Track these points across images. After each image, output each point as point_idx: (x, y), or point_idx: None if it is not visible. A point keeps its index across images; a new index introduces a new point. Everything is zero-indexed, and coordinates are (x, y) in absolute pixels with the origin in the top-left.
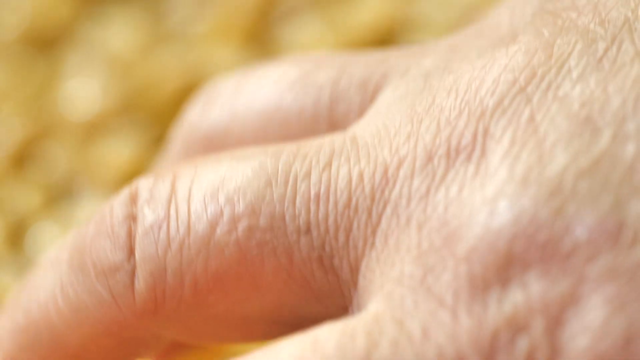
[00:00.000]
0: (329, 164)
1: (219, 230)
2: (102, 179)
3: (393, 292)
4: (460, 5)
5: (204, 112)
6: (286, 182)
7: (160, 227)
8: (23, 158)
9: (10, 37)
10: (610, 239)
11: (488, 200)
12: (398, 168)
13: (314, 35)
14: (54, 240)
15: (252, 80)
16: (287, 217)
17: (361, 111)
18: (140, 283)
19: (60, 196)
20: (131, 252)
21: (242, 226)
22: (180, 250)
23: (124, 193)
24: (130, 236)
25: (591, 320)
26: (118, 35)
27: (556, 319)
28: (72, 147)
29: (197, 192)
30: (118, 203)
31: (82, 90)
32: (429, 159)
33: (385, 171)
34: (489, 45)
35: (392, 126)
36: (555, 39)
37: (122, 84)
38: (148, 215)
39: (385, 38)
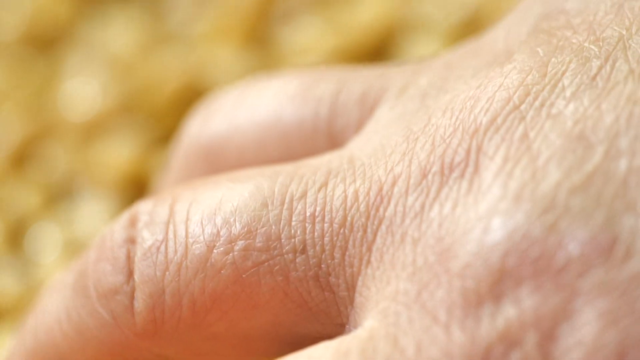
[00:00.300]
0: (325, 184)
1: (215, 252)
2: (102, 179)
3: (388, 309)
4: (460, 6)
5: (204, 124)
6: (282, 203)
7: (158, 249)
8: (23, 158)
9: (10, 37)
10: (603, 254)
11: (481, 217)
12: (393, 185)
13: (314, 35)
14: (54, 241)
15: (253, 92)
16: (283, 237)
17: (359, 125)
18: (139, 304)
19: (60, 196)
20: (130, 274)
21: (238, 247)
22: (178, 272)
23: (124, 217)
24: (130, 259)
25: (584, 335)
26: (118, 35)
27: (549, 334)
28: (71, 147)
29: (194, 215)
30: (118, 227)
31: (82, 91)
32: (423, 176)
33: (380, 189)
34: (484, 65)
35: (388, 146)
36: (550, 58)
37: (122, 84)
38: (147, 238)
39: (385, 38)
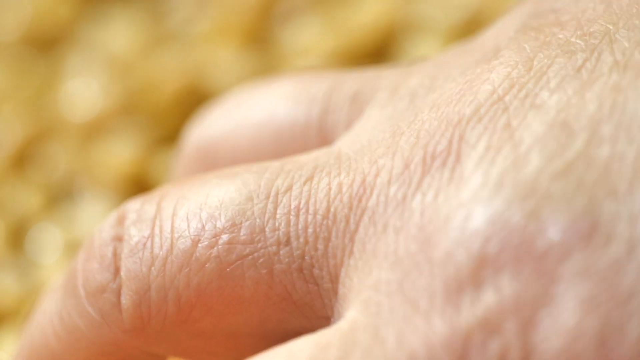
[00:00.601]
0: (310, 178)
1: (200, 246)
2: (103, 180)
3: (369, 299)
4: (460, 6)
5: (201, 129)
6: (267, 197)
7: (144, 246)
8: (23, 159)
9: (10, 37)
10: (584, 240)
11: (462, 205)
12: (375, 177)
13: (315, 35)
14: (54, 241)
15: (249, 95)
16: (267, 230)
17: (349, 124)
18: (126, 301)
19: (60, 197)
20: (117, 271)
21: (222, 241)
22: (163, 267)
23: (112, 215)
24: (116, 256)
25: (564, 321)
26: (118, 36)
27: (529, 320)
28: (72, 148)
29: (181, 210)
30: (106, 225)
31: (83, 91)
32: (406, 166)
33: (363, 180)
34: (473, 62)
35: (374, 141)
36: (537, 53)
37: (123, 84)
38: (134, 235)
39: (385, 39)
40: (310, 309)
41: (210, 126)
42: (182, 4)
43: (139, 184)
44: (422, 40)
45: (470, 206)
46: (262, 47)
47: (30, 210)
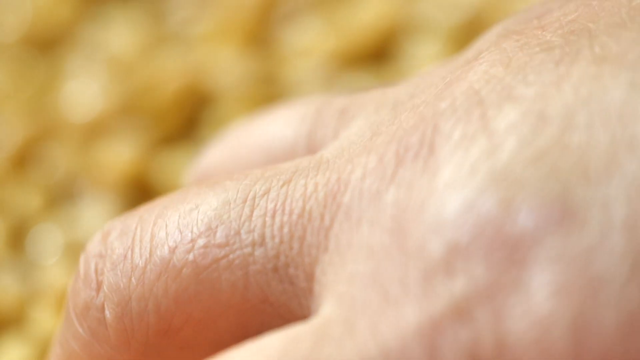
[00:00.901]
0: (288, 181)
1: (177, 252)
2: (103, 181)
3: (344, 293)
4: (461, 6)
5: (201, 159)
6: (244, 201)
7: (125, 257)
8: (24, 159)
9: (11, 38)
10: (557, 226)
11: (436, 194)
12: (350, 173)
13: (315, 36)
14: (55, 242)
15: (246, 125)
16: (242, 232)
17: (337, 135)
18: (109, 315)
19: (61, 198)
20: (99, 287)
21: (198, 245)
22: (142, 277)
23: (97, 233)
24: (97, 272)
25: (537, 309)
26: (119, 36)
27: (501, 309)
28: (72, 149)
29: (160, 219)
30: (91, 243)
31: (83, 92)
32: (380, 160)
33: (339, 178)
34: (455, 68)
35: (354, 144)
36: (516, 52)
37: (123, 85)
38: (116, 248)
39: (386, 39)
40: (287, 310)
41: (208, 157)
42: (182, 4)
43: (140, 185)
44: (422, 41)
45: (443, 194)
46: (263, 47)
47: (30, 211)
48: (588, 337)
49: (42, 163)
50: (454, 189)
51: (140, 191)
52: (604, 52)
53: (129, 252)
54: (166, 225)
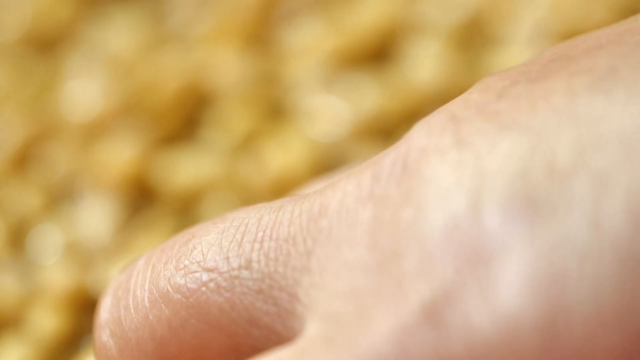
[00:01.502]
0: (278, 209)
1: (170, 279)
2: (103, 181)
3: (325, 312)
4: (460, 6)
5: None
6: (237, 229)
7: (126, 290)
8: (24, 159)
9: (11, 38)
10: (522, 224)
11: (409, 205)
12: (332, 197)
13: (315, 36)
14: (55, 242)
15: None
16: (230, 256)
17: None
18: (113, 350)
19: (61, 197)
20: (106, 323)
21: (188, 270)
22: (138, 306)
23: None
24: (104, 309)
25: (505, 308)
26: (119, 36)
27: (469, 309)
28: (73, 149)
29: (160, 251)
30: (98, 311)
31: (83, 92)
32: (358, 183)
33: (322, 203)
34: None
35: (340, 177)
36: (495, 81)
37: (123, 85)
38: (120, 282)
39: (386, 39)
40: (273, 332)
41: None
42: (182, 4)
43: (140, 185)
44: (422, 41)
45: (416, 205)
46: (263, 47)
47: (30, 211)
48: (557, 333)
49: (42, 163)
50: (426, 200)
51: (140, 191)
52: (579, 67)
53: (129, 283)
54: (164, 258)
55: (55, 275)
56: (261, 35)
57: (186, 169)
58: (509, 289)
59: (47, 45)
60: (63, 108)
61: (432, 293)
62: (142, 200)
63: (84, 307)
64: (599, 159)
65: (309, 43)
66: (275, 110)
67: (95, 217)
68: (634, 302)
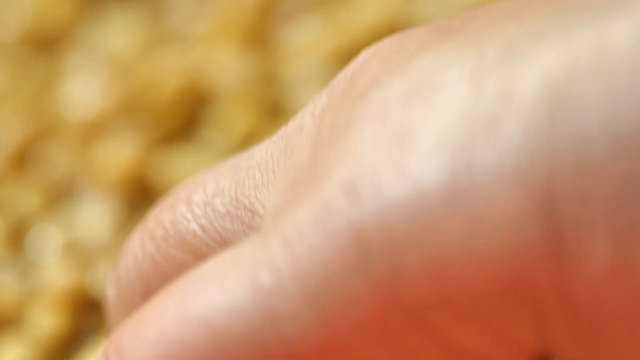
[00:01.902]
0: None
1: (157, 218)
2: (103, 180)
3: (268, 211)
4: (460, 6)
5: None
6: (218, 170)
7: (131, 240)
8: (23, 159)
9: (10, 38)
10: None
11: (351, 105)
12: (293, 121)
13: (315, 36)
14: (54, 242)
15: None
16: (207, 188)
17: None
18: (111, 299)
19: (60, 197)
20: (110, 280)
21: (171, 206)
22: (128, 252)
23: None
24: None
25: (414, 174)
26: (118, 35)
27: (381, 178)
28: (72, 148)
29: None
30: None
31: (83, 91)
32: (314, 103)
33: (286, 127)
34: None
35: None
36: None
37: (123, 84)
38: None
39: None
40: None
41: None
42: (182, 4)
43: (139, 184)
44: None
45: (356, 100)
46: (262, 47)
47: (30, 211)
48: (459, 193)
49: (42, 162)
50: (364, 95)
51: (140, 191)
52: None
53: (136, 235)
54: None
55: (55, 274)
56: (261, 34)
57: (185, 168)
58: (418, 158)
59: (46, 45)
60: (62, 108)
61: (351, 172)
62: (141, 199)
63: (83, 306)
64: (516, 28)
65: (309, 42)
66: (274, 110)
67: (94, 217)
68: (533, 165)
